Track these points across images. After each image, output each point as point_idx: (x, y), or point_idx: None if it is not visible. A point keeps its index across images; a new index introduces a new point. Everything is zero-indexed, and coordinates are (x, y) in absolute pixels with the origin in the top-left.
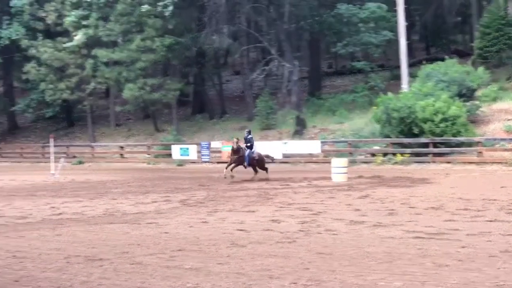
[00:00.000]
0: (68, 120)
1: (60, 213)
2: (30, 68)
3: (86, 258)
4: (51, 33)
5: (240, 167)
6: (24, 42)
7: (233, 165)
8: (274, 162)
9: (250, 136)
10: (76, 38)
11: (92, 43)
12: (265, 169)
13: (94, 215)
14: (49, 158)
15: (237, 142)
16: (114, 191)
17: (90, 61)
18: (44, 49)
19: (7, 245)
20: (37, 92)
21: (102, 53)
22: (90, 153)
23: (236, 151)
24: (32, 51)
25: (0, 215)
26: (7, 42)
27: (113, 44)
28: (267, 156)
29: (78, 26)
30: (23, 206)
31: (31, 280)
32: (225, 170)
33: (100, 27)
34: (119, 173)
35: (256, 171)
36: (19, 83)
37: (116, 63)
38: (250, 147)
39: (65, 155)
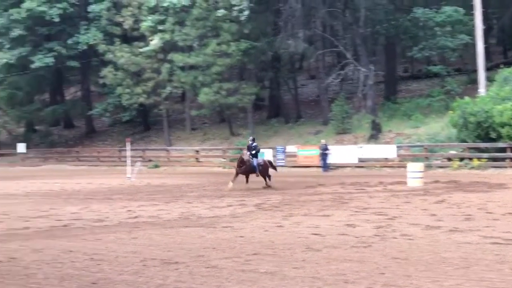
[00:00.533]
0: (144, 124)
1: (136, 216)
2: (107, 72)
3: (162, 261)
4: (127, 38)
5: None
6: (102, 47)
7: (238, 176)
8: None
9: (254, 144)
10: (152, 42)
11: (168, 47)
12: (269, 177)
13: (169, 219)
14: (125, 161)
15: (246, 154)
16: (189, 194)
17: (166, 65)
18: (121, 54)
19: (84, 247)
20: (113, 96)
21: (178, 58)
22: (165, 157)
23: (243, 162)
24: (109, 56)
25: (77, 218)
26: (84, 47)
27: (189, 49)
28: (270, 164)
29: (154, 31)
30: (100, 209)
31: (108, 283)
32: (230, 182)
33: (176, 31)
34: (194, 177)
35: (266, 179)
36: (96, 87)
37: (192, 67)
38: (255, 155)
39: (141, 158)
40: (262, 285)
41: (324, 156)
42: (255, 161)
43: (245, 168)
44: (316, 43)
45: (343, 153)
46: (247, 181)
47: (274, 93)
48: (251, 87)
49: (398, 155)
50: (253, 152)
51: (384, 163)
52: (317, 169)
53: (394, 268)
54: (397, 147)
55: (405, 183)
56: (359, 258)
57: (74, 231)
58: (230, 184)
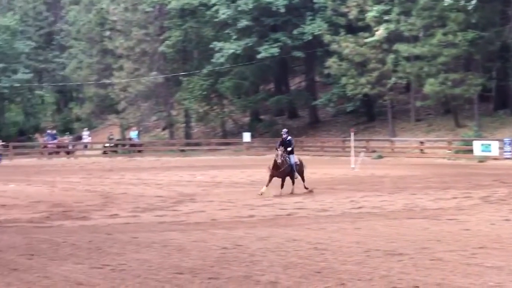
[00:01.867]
0: (368, 114)
1: (360, 207)
2: (331, 63)
3: (385, 252)
4: (352, 28)
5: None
6: (326, 37)
7: (272, 180)
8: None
9: (289, 137)
10: (377, 33)
11: (393, 37)
12: (302, 177)
13: (393, 210)
14: (349, 152)
15: (281, 155)
16: (413, 186)
17: (391, 55)
18: (346, 44)
19: (308, 236)
20: (338, 87)
21: (403, 48)
22: (389, 148)
23: (278, 164)
24: (334, 46)
25: (301, 207)
26: (310, 37)
27: (414, 39)
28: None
29: (379, 21)
30: (324, 199)
31: (332, 272)
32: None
33: (401, 21)
34: (418, 168)
35: (293, 180)
36: (321, 77)
37: (417, 57)
38: (291, 151)
39: (364, 149)
40: (489, 280)
41: None
42: (292, 159)
43: (284, 171)
44: None
45: None
46: (282, 185)
47: (501, 84)
48: (478, 78)
49: None
50: (288, 148)
51: None
52: None
53: None
54: None
55: None
56: None
57: (298, 220)
58: (263, 189)
